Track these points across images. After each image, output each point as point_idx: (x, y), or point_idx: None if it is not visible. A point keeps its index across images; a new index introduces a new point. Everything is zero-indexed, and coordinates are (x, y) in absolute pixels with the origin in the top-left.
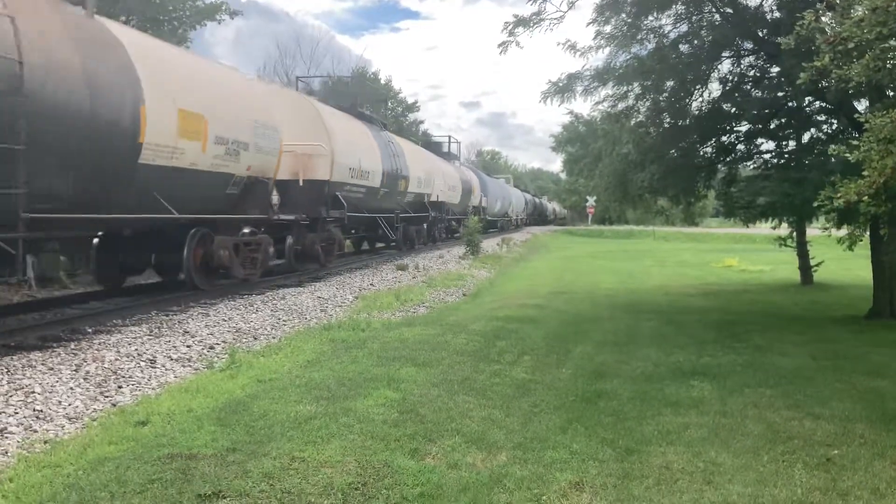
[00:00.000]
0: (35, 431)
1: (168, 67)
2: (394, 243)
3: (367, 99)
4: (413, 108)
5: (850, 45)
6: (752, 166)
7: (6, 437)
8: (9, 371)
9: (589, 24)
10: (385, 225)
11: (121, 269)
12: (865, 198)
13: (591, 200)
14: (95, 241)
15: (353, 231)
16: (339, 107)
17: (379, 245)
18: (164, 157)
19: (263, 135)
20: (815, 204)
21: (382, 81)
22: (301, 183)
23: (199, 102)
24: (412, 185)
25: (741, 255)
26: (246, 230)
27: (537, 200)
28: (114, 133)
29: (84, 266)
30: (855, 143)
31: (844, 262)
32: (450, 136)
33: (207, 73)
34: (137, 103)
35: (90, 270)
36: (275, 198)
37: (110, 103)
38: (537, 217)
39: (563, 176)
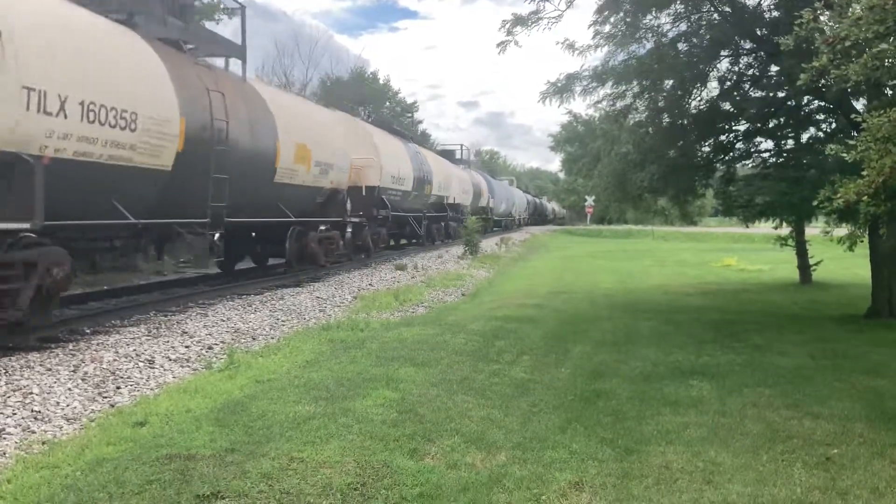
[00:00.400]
0: (33, 432)
1: (289, 112)
2: (420, 239)
3: (366, 99)
4: (412, 108)
5: (848, 45)
6: (750, 165)
7: (4, 438)
8: (7, 372)
9: (590, 25)
10: (414, 223)
11: (231, 258)
12: (865, 198)
13: (590, 200)
14: (217, 235)
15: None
16: (377, 123)
17: (402, 242)
18: (286, 177)
19: (341, 156)
20: (815, 203)
21: (381, 81)
22: (364, 192)
23: (306, 136)
24: (434, 189)
25: (740, 254)
26: (322, 227)
27: (538, 201)
28: (264, 161)
29: (205, 255)
30: (852, 142)
31: (843, 262)
32: (462, 146)
33: (309, 111)
34: (275, 139)
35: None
36: (348, 204)
37: (262, 141)
38: (538, 217)
39: (561, 175)
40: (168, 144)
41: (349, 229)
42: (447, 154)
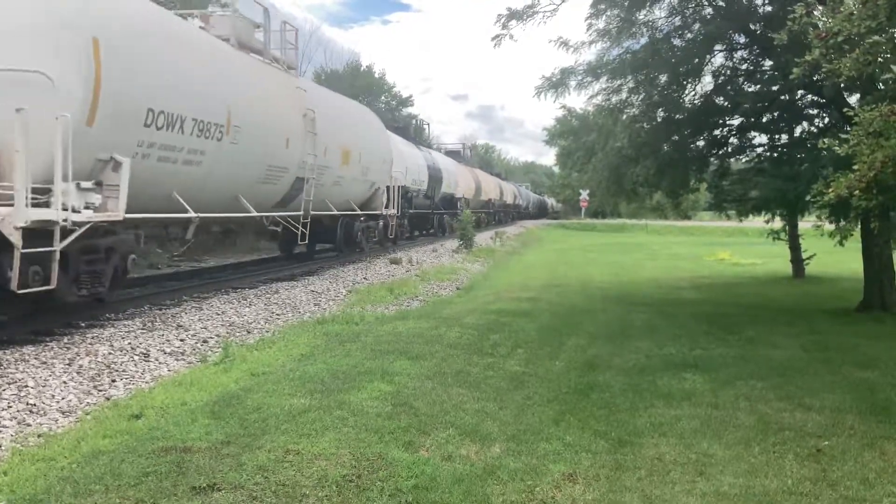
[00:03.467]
0: (29, 425)
1: (343, 122)
2: (433, 230)
3: (361, 92)
4: (407, 102)
5: (841, 39)
6: (744, 160)
7: (0, 431)
8: (1, 365)
9: (587, 19)
10: (432, 217)
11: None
12: (857, 192)
13: (585, 194)
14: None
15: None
16: (394, 130)
17: (415, 233)
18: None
19: (382, 159)
20: (808, 199)
21: (376, 75)
22: (394, 191)
23: (358, 145)
24: (444, 187)
25: (733, 248)
26: (362, 219)
27: (541, 197)
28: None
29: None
30: (845, 136)
31: (836, 255)
32: (464, 144)
33: (355, 122)
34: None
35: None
36: (384, 198)
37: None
38: (541, 211)
39: (556, 170)
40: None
41: (381, 221)
42: (453, 154)
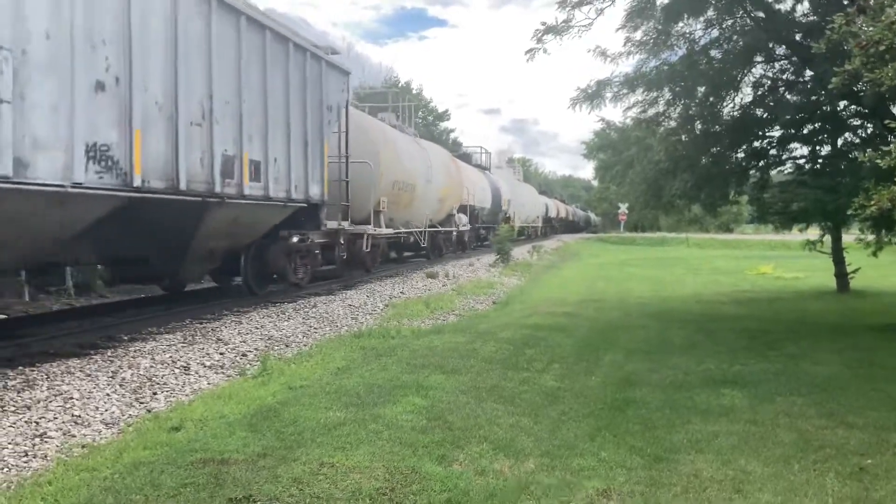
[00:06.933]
0: (73, 436)
1: (438, 164)
2: (488, 242)
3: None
4: (444, 116)
5: (882, 48)
6: (786, 172)
7: (46, 442)
8: (48, 377)
9: (619, 29)
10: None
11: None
12: None
13: (623, 207)
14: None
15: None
16: (461, 157)
17: (473, 245)
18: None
19: (455, 188)
20: (849, 212)
21: (414, 91)
22: (466, 210)
23: (445, 181)
24: (503, 205)
25: (776, 261)
26: (443, 231)
27: (587, 213)
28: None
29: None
30: (887, 149)
31: (882, 269)
32: (515, 162)
33: (438, 153)
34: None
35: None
36: (463, 218)
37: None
38: (584, 224)
39: (594, 183)
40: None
41: (455, 234)
42: (504, 172)
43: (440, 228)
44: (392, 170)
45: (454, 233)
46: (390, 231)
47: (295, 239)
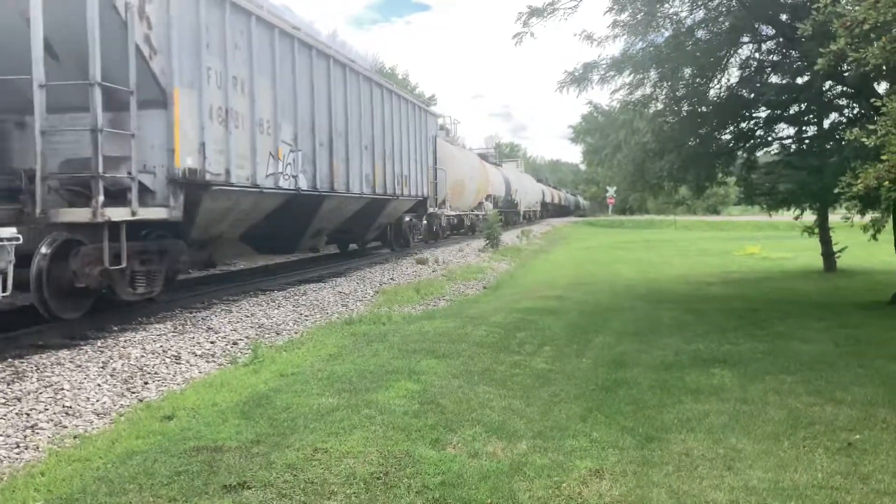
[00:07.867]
0: (65, 427)
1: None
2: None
3: None
4: (431, 102)
5: (867, 28)
6: (772, 152)
7: (37, 433)
8: (38, 369)
9: (606, 12)
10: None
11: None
12: (886, 182)
13: (611, 191)
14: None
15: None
16: (482, 155)
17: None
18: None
19: (485, 180)
20: (836, 191)
21: (400, 77)
22: (487, 198)
23: (477, 179)
24: (512, 194)
25: (763, 242)
26: (471, 215)
27: (576, 198)
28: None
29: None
30: (872, 127)
31: (868, 248)
32: (518, 159)
33: (477, 163)
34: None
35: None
36: (489, 205)
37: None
38: (573, 208)
39: (582, 167)
40: None
41: (482, 216)
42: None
43: (476, 213)
44: (453, 173)
45: (482, 216)
46: (454, 213)
47: (407, 218)
